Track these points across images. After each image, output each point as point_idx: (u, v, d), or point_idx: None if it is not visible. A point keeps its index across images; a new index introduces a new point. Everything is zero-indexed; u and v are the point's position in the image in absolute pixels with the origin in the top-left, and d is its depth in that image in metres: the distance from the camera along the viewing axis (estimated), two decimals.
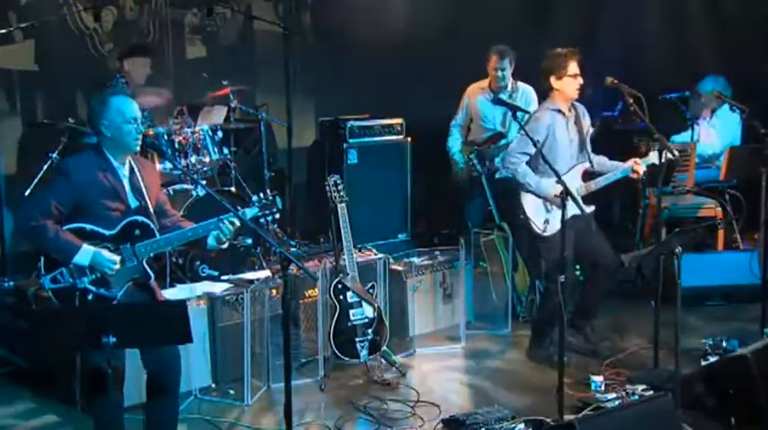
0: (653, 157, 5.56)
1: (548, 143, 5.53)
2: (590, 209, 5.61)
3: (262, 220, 4.40)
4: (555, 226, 5.44)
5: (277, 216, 4.38)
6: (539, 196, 5.57)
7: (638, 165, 5.61)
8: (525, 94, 6.96)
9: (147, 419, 4.42)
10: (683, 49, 8.70)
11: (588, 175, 5.71)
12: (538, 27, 8.39)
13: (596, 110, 7.58)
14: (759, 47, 8.41)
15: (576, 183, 5.59)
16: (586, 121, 5.77)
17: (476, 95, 7.06)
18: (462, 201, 7.18)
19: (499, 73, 6.80)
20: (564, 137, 5.61)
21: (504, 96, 6.79)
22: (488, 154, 6.85)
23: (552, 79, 5.56)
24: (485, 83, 7.02)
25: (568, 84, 5.53)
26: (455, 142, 7.17)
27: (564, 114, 5.62)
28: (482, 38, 7.64)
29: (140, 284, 4.35)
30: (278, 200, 4.37)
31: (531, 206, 5.62)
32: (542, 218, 5.58)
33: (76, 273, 4.19)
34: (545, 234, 5.57)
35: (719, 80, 7.61)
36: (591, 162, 5.71)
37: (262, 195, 4.39)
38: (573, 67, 5.51)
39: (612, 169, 5.69)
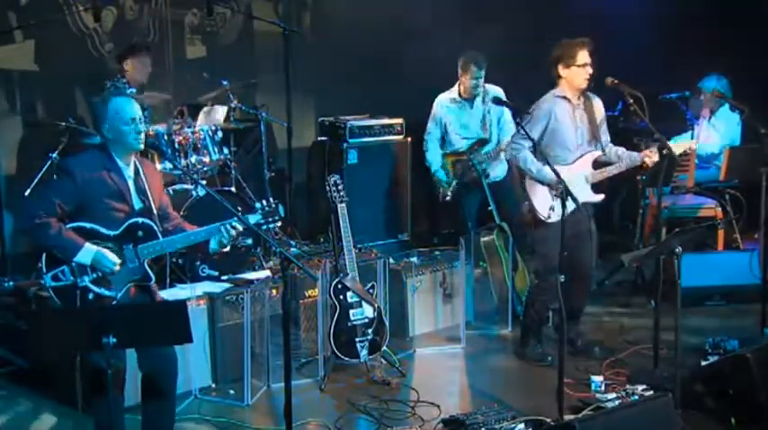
0: (674, 148, 5.52)
1: (550, 127, 5.53)
2: (599, 197, 5.61)
3: (264, 227, 4.42)
4: (559, 213, 5.38)
5: (279, 224, 4.37)
6: (543, 183, 5.55)
7: (652, 155, 5.53)
8: (495, 94, 6.83)
9: (144, 421, 4.42)
10: (683, 48, 8.70)
11: (601, 165, 5.67)
12: (537, 25, 8.39)
13: None
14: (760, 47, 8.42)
15: (585, 171, 5.59)
16: (600, 112, 5.72)
17: (448, 106, 6.90)
18: (459, 200, 7.07)
19: (475, 82, 6.72)
20: (568, 123, 5.57)
21: (478, 100, 6.77)
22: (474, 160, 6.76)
23: (560, 67, 5.53)
24: (453, 92, 6.88)
25: (576, 73, 5.51)
26: (435, 156, 6.94)
27: (570, 101, 5.60)
28: (481, 37, 7.65)
29: (141, 286, 4.35)
30: (281, 208, 4.38)
31: (537, 192, 5.59)
32: (548, 204, 5.53)
33: (78, 272, 4.20)
34: (549, 220, 5.51)
35: (722, 80, 7.59)
36: (603, 151, 5.68)
37: (265, 202, 4.39)
38: (582, 57, 5.48)
39: (628, 159, 5.62)
